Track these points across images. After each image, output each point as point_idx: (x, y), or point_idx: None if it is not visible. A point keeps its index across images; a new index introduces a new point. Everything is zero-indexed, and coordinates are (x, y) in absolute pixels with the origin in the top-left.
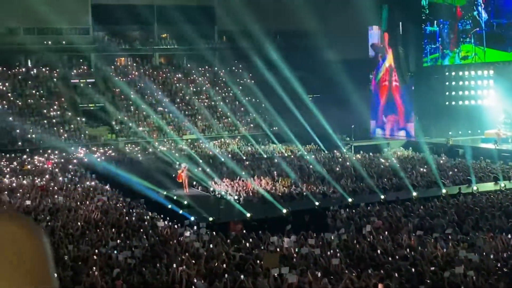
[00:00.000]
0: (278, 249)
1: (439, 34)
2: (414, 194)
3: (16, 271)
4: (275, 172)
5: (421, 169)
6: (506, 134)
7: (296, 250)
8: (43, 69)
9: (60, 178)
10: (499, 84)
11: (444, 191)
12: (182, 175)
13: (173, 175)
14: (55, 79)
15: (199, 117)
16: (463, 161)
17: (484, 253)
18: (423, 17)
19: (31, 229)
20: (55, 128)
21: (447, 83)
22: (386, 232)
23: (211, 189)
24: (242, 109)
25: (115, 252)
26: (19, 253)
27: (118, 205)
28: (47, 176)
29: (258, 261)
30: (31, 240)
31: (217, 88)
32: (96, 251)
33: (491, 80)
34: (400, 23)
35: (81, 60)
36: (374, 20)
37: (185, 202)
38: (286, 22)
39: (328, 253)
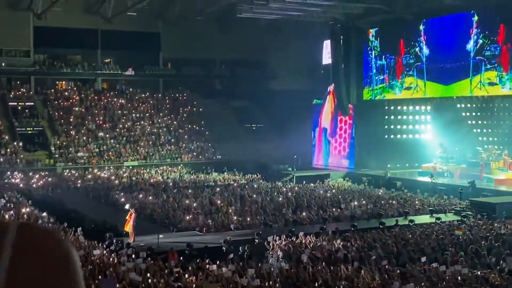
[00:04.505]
0: (217, 279)
1: (386, 67)
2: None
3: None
4: (217, 201)
5: (361, 200)
6: (442, 168)
7: (236, 280)
8: None
9: None
10: (436, 119)
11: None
12: (129, 221)
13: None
14: None
15: (141, 143)
16: (400, 193)
17: (420, 285)
18: (370, 52)
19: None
20: None
21: (386, 117)
22: (324, 263)
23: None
24: (185, 136)
25: None
26: (51, 265)
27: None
28: None
29: None
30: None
31: (160, 114)
32: None
33: (428, 115)
34: (342, 57)
35: (19, 83)
36: (318, 52)
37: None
38: (231, 52)
39: (267, 283)
